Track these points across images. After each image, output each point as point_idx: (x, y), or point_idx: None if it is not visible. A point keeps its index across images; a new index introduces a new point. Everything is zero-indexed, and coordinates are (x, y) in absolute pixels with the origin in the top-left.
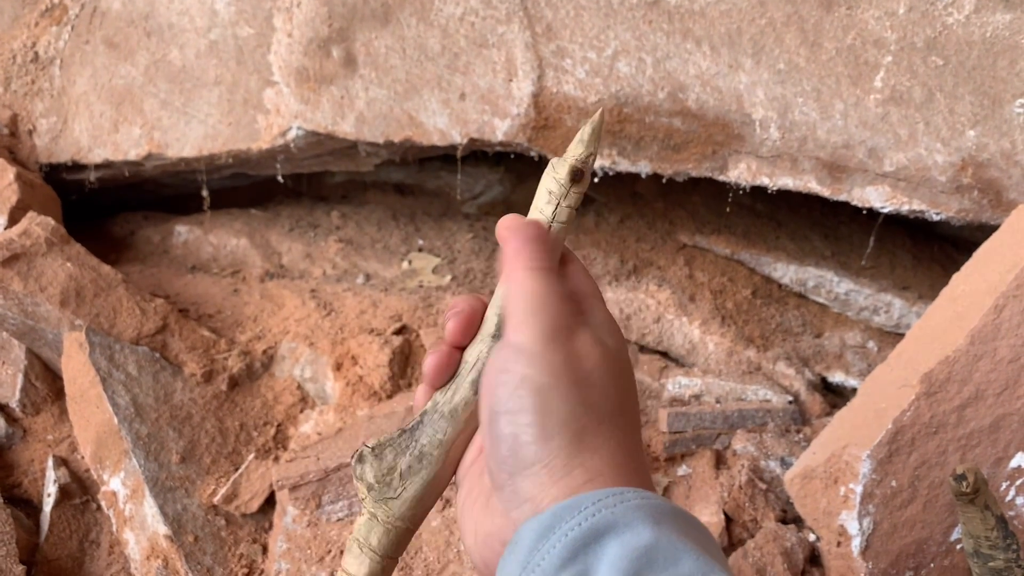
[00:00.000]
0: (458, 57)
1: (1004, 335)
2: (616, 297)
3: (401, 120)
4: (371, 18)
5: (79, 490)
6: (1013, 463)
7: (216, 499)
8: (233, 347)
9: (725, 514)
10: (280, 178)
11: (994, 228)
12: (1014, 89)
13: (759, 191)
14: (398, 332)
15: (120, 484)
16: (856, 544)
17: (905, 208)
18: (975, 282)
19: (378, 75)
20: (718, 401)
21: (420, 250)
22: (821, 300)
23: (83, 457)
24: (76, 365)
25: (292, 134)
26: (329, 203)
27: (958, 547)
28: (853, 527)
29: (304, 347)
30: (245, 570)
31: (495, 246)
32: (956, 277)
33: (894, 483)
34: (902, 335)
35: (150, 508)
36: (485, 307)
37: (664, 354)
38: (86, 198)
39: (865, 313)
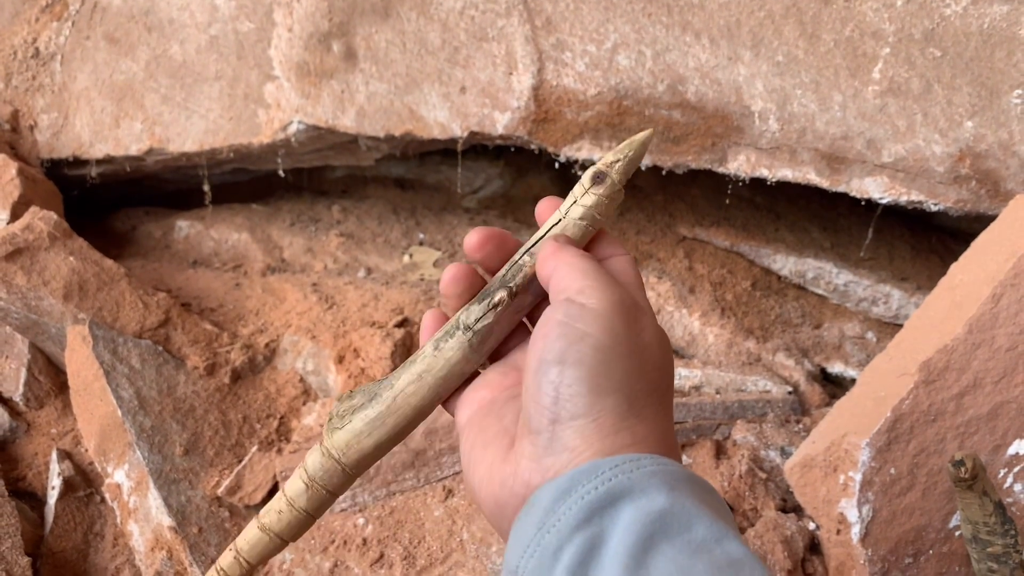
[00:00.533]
0: (458, 51)
1: (1002, 324)
2: None
3: (402, 114)
4: (371, 12)
5: (83, 483)
6: (1011, 450)
7: (220, 491)
8: (235, 340)
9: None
10: (281, 173)
11: (992, 218)
12: (1011, 80)
13: (758, 183)
14: (399, 325)
15: (124, 476)
16: (856, 532)
17: (903, 199)
18: (973, 272)
19: (378, 69)
20: (718, 392)
21: (421, 244)
22: (820, 291)
23: (87, 450)
24: (80, 358)
25: (293, 128)
26: (330, 197)
27: (957, 533)
28: (852, 515)
29: (306, 340)
30: None
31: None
32: (954, 267)
33: (893, 471)
34: (901, 326)
35: (154, 500)
36: (476, 276)
37: None
38: (87, 193)
39: (864, 304)
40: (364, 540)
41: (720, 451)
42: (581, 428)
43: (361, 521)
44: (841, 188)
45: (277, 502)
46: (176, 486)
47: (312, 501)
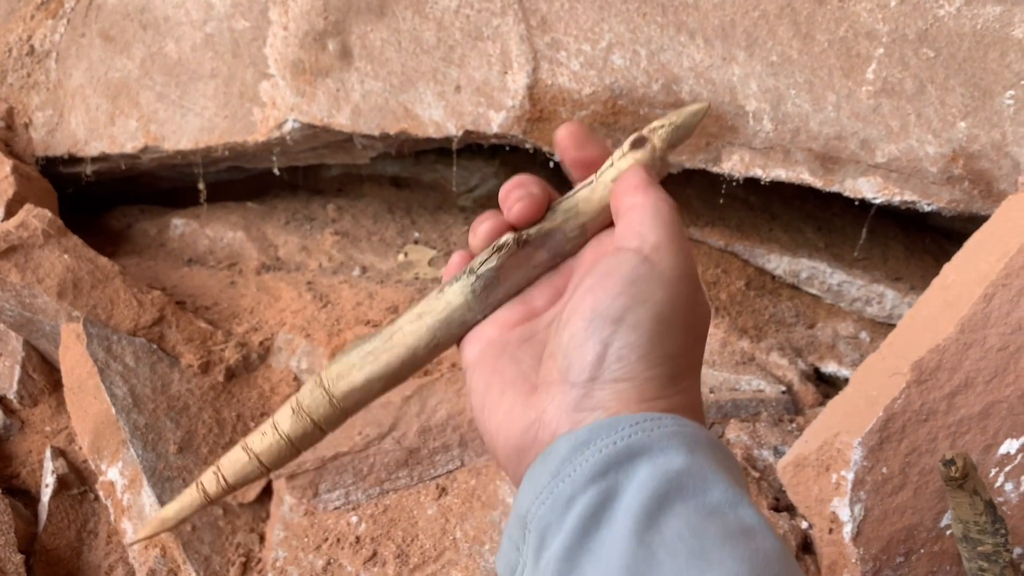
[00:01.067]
0: (453, 50)
1: (994, 323)
2: None
3: (397, 112)
4: (367, 11)
5: (77, 480)
6: (1002, 449)
7: None
8: (230, 339)
9: None
10: (276, 171)
11: (984, 219)
12: (1004, 81)
13: (752, 183)
14: None
15: (118, 474)
16: (848, 530)
17: (897, 199)
18: (965, 272)
19: (374, 68)
20: (712, 391)
21: (416, 243)
22: (814, 291)
23: (81, 448)
24: (74, 356)
25: (288, 127)
26: (325, 196)
27: (948, 532)
28: (845, 514)
29: (300, 338)
30: (242, 559)
31: None
32: (947, 267)
33: (885, 470)
34: (894, 326)
35: (148, 498)
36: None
37: None
38: (82, 191)
39: (858, 304)
40: (357, 538)
41: None
42: (620, 391)
43: (354, 519)
44: (835, 188)
45: (265, 424)
46: (170, 484)
47: (295, 427)
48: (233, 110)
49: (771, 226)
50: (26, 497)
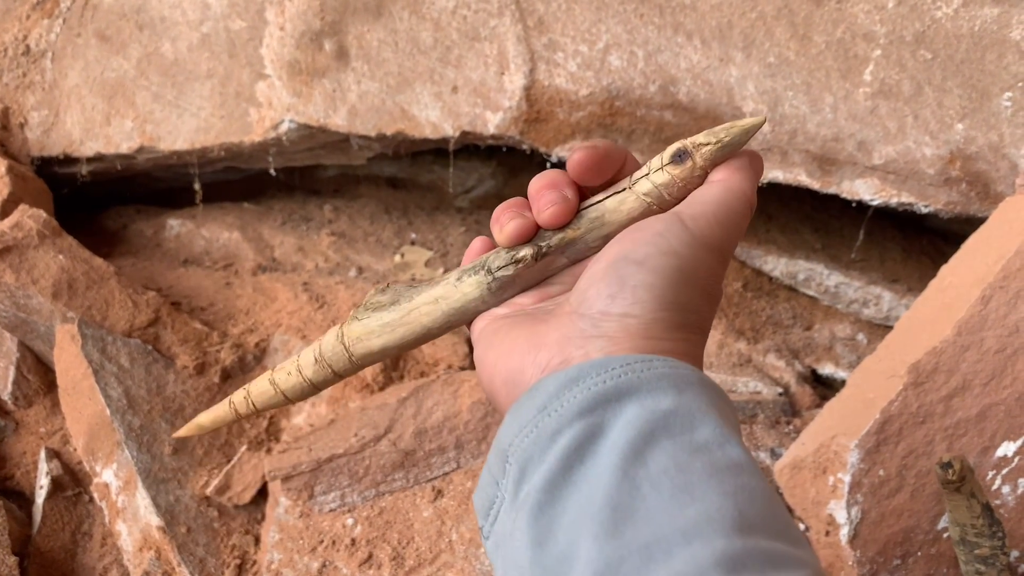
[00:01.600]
0: (450, 50)
1: (991, 326)
2: None
3: (393, 113)
4: (363, 11)
5: (71, 482)
6: (999, 452)
7: (209, 490)
8: (225, 340)
9: None
10: (272, 172)
11: (982, 221)
12: (1002, 82)
13: None
14: None
15: (113, 476)
16: (844, 533)
17: (894, 201)
18: (963, 274)
19: (370, 68)
20: None
21: (413, 243)
22: (811, 293)
23: (75, 449)
24: (68, 357)
25: (284, 127)
26: (321, 197)
27: (945, 535)
28: (841, 516)
29: (297, 340)
30: (238, 561)
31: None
32: (944, 269)
33: (882, 472)
34: (891, 327)
35: (143, 499)
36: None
37: None
38: (78, 192)
39: (855, 306)
40: (353, 540)
41: None
42: (627, 325)
43: (350, 521)
44: (832, 190)
45: (290, 364)
46: (165, 485)
47: (317, 374)
48: (229, 110)
49: (768, 227)
50: (20, 499)
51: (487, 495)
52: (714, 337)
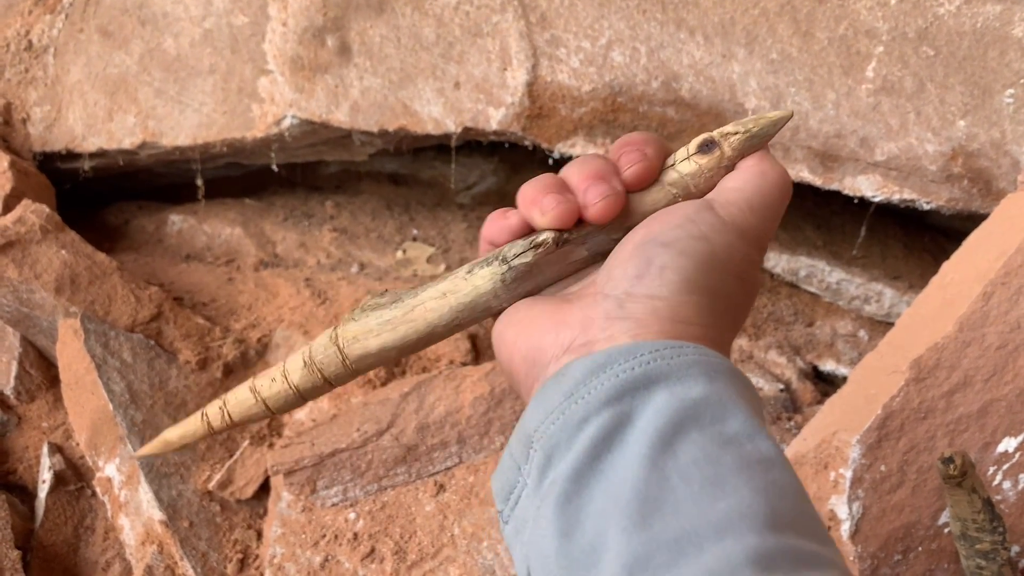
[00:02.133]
0: (453, 46)
1: (992, 322)
2: None
3: (395, 109)
4: (366, 7)
5: (74, 476)
6: (1000, 448)
7: (211, 485)
8: (228, 335)
9: None
10: (274, 167)
11: (983, 217)
12: (1004, 79)
13: None
14: None
15: (115, 470)
16: (846, 528)
17: (896, 197)
18: (964, 270)
19: (373, 64)
20: None
21: (414, 240)
22: (813, 289)
23: (78, 444)
24: (71, 352)
25: (287, 123)
26: (323, 193)
27: (946, 530)
28: (843, 511)
29: (299, 335)
30: (240, 555)
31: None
32: (946, 265)
33: (883, 468)
34: (893, 324)
35: (145, 494)
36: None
37: None
38: (80, 187)
39: (856, 302)
40: (355, 535)
41: None
42: (654, 307)
43: (352, 516)
44: (834, 186)
45: (275, 370)
46: (167, 480)
47: (304, 380)
48: (231, 106)
49: None
50: (23, 493)
51: (508, 479)
52: None
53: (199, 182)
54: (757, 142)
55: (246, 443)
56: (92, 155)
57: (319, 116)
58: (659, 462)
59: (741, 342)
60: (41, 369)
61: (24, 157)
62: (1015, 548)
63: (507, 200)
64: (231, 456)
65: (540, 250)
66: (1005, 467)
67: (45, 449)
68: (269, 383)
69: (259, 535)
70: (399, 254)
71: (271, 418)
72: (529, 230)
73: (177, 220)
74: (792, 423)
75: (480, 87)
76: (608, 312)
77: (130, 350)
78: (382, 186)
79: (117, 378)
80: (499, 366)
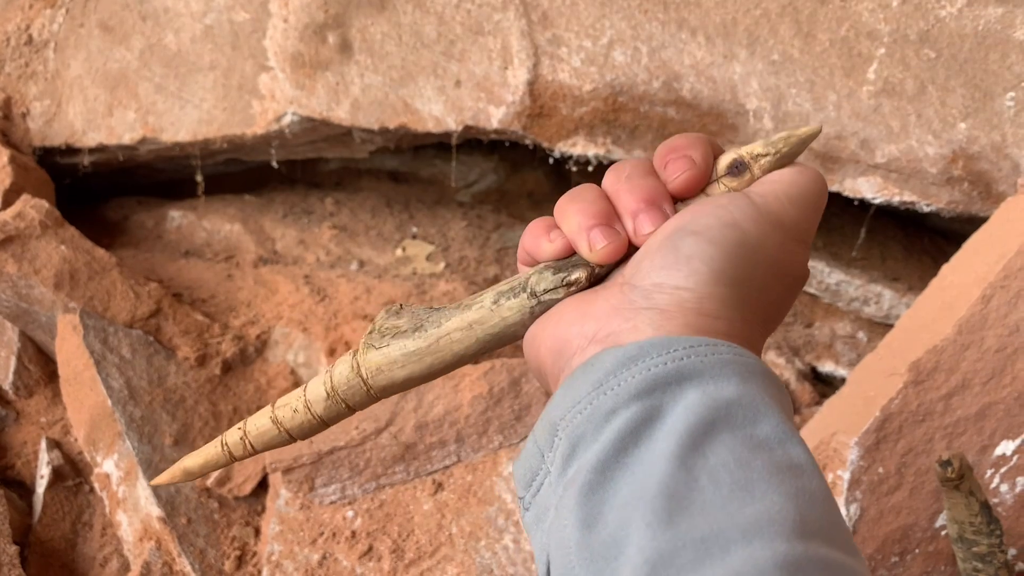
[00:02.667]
0: (454, 44)
1: (991, 325)
2: None
3: (396, 106)
4: (367, 4)
5: (72, 472)
6: (998, 451)
7: (209, 482)
8: (227, 332)
9: None
10: (274, 164)
11: (983, 220)
12: (1005, 82)
13: None
14: None
15: (113, 466)
16: None
17: (896, 199)
18: (964, 273)
19: (373, 61)
20: None
21: (414, 237)
22: (812, 291)
23: (76, 439)
24: (70, 348)
25: (287, 120)
26: (323, 190)
27: (943, 533)
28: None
29: (297, 332)
30: (238, 552)
31: (488, 234)
32: (945, 268)
33: (881, 470)
34: (892, 326)
35: (143, 490)
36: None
37: None
38: (80, 182)
39: (855, 304)
40: (353, 533)
41: None
42: (681, 299)
43: (350, 514)
44: (834, 188)
45: (295, 400)
46: None
47: (329, 411)
48: (232, 102)
49: None
50: (21, 488)
51: (530, 466)
52: None
53: (199, 178)
54: (786, 162)
55: None
56: (92, 150)
57: (320, 113)
58: (688, 461)
59: None
60: (40, 364)
61: (24, 152)
62: (1012, 551)
63: (506, 198)
64: None
65: (572, 288)
66: (1003, 470)
67: (43, 444)
68: (291, 414)
69: (257, 532)
70: (398, 252)
71: (292, 443)
72: (571, 251)
73: (176, 216)
74: None
75: (481, 85)
76: (633, 302)
77: (129, 346)
78: (382, 183)
79: (116, 374)
80: (527, 360)
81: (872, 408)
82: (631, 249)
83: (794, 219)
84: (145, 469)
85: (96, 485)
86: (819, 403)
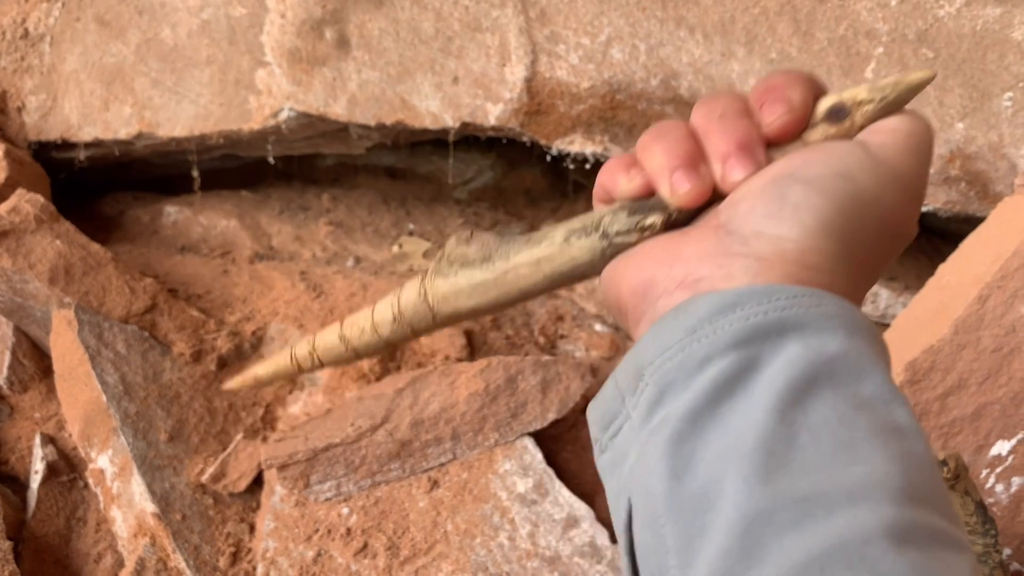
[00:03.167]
0: (452, 41)
1: (988, 325)
2: None
3: (393, 103)
4: (365, 0)
5: (66, 468)
6: (993, 451)
7: (204, 478)
8: (222, 327)
9: None
10: (271, 160)
11: (980, 220)
12: (1003, 82)
13: None
14: None
15: (108, 462)
16: None
17: None
18: (961, 273)
19: (371, 57)
20: None
21: (411, 234)
22: None
23: (71, 435)
24: (65, 343)
25: (284, 115)
26: (320, 186)
27: None
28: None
29: (293, 329)
30: (232, 548)
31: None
32: (942, 268)
33: None
34: (888, 325)
35: (138, 486)
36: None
37: None
38: (75, 177)
39: None
40: (348, 530)
41: None
42: (781, 248)
43: (345, 511)
44: None
45: (363, 319)
46: (160, 472)
47: (395, 333)
48: (228, 98)
49: None
50: (15, 484)
51: (608, 408)
52: None
53: (195, 173)
54: (892, 109)
55: (239, 436)
56: (88, 145)
57: (316, 109)
58: (788, 416)
59: None
60: (34, 359)
61: (19, 146)
62: (1007, 551)
63: (504, 195)
64: (224, 449)
65: (646, 233)
66: (998, 470)
67: (38, 440)
68: (359, 333)
69: (252, 529)
70: (395, 248)
71: (356, 361)
72: (650, 190)
73: (172, 211)
74: None
75: (479, 82)
76: (729, 248)
77: (124, 341)
78: (379, 180)
79: (111, 369)
80: (604, 296)
81: None
82: (715, 195)
83: (912, 172)
84: (140, 465)
85: (90, 481)
86: None
